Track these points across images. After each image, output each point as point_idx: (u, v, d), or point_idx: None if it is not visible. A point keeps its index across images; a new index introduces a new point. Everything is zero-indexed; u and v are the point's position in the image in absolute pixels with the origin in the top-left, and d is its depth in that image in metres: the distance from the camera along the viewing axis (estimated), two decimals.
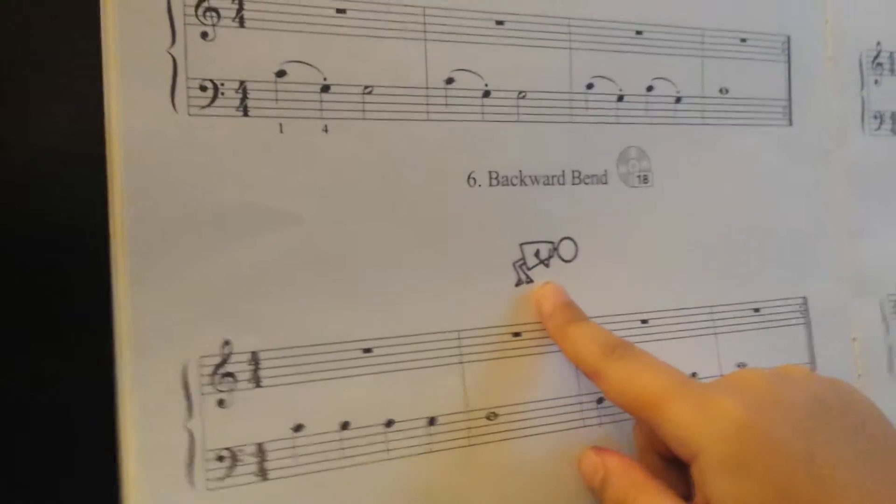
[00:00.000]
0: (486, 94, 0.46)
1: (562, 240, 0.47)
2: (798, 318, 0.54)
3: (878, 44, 0.61)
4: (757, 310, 0.53)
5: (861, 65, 0.60)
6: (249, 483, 0.39)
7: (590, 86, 0.49)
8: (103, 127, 0.39)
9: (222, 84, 0.40)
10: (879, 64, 0.61)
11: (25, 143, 0.38)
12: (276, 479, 0.39)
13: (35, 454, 0.37)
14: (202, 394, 0.38)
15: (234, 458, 0.38)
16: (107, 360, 0.38)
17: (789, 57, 0.56)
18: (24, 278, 0.37)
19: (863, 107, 0.60)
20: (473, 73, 0.46)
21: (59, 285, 0.38)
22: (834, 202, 0.57)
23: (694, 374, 0.50)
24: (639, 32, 0.51)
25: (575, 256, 0.47)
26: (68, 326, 0.38)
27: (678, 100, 0.52)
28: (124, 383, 0.37)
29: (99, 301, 0.38)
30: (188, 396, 0.38)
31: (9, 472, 0.36)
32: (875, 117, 0.60)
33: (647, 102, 0.51)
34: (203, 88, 0.40)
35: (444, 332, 0.43)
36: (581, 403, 0.46)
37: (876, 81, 0.60)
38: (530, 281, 0.46)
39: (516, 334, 0.45)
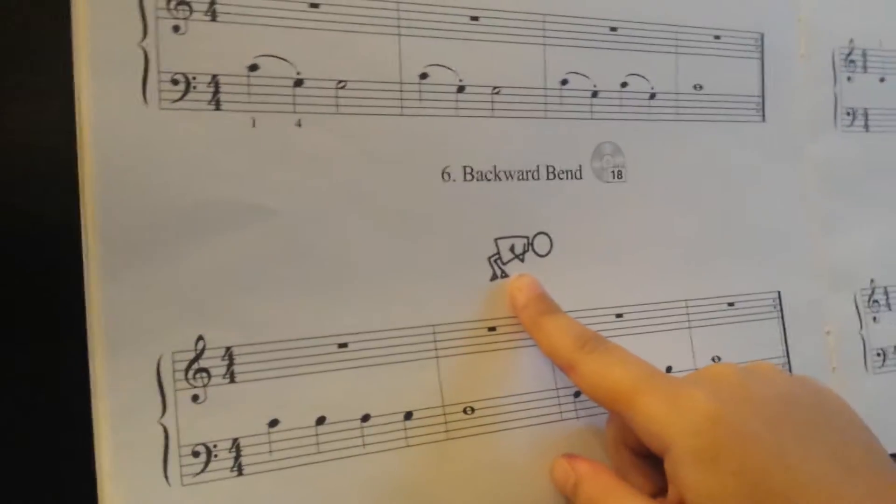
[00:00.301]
0: (461, 89, 0.46)
1: (536, 234, 0.47)
2: (772, 312, 0.55)
3: (851, 41, 0.61)
4: (731, 304, 0.53)
5: (834, 62, 0.61)
6: (225, 478, 0.38)
7: (564, 81, 0.49)
8: (73, 121, 0.38)
9: (194, 78, 0.40)
10: (852, 61, 0.61)
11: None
12: (252, 474, 0.39)
13: (9, 452, 0.36)
14: (176, 390, 0.38)
15: (210, 454, 0.38)
16: (79, 357, 0.37)
17: (763, 54, 0.57)
18: None
19: (836, 103, 0.60)
20: (447, 68, 0.46)
21: (29, 282, 0.37)
22: (807, 198, 0.57)
23: (669, 369, 0.50)
24: (613, 29, 0.51)
25: (549, 251, 0.47)
26: (39, 323, 0.37)
27: (652, 96, 0.52)
28: (97, 380, 0.37)
29: (71, 297, 0.37)
30: (162, 392, 0.38)
31: None
32: (848, 114, 0.60)
33: (621, 98, 0.51)
34: (175, 82, 0.39)
35: (420, 326, 0.43)
36: (559, 397, 0.46)
37: (849, 78, 0.61)
38: (505, 275, 0.46)
39: (492, 329, 0.45)
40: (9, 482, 0.37)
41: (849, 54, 0.61)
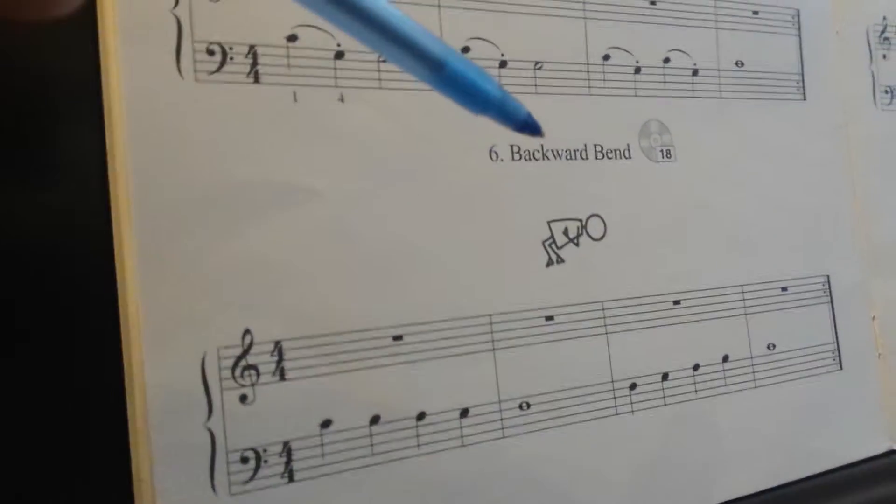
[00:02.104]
0: (503, 64, 0.43)
1: (590, 217, 0.44)
2: (822, 296, 0.53)
3: (885, 18, 0.60)
4: (784, 289, 0.51)
5: (869, 39, 0.59)
6: (276, 486, 0.35)
7: (606, 57, 0.47)
8: (101, 94, 0.34)
9: (231, 48, 0.36)
10: (886, 38, 0.59)
11: (17, 115, 0.34)
12: (304, 480, 0.36)
13: (43, 458, 0.32)
14: (223, 389, 0.34)
15: (259, 459, 0.35)
16: (114, 355, 0.33)
17: (800, 30, 0.54)
18: (16, 270, 0.33)
19: (873, 81, 0.58)
20: (490, 42, 0.43)
21: (58, 273, 0.33)
22: (849, 178, 0.55)
23: (725, 357, 0.47)
24: (653, 3, 0.49)
25: (604, 234, 0.45)
26: (67, 320, 0.33)
27: (695, 72, 0.50)
28: (134, 382, 0.33)
29: (103, 290, 0.34)
30: (208, 393, 0.34)
31: (16, 478, 0.32)
32: (886, 92, 0.58)
33: (664, 75, 0.49)
34: (210, 52, 0.36)
35: (476, 316, 0.40)
36: (614, 390, 0.44)
37: (884, 56, 0.59)
38: (561, 261, 0.43)
39: (549, 318, 0.42)
40: (36, 493, 0.33)
41: (882, 31, 0.59)
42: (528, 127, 0.31)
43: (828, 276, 0.53)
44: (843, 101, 0.56)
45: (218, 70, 0.36)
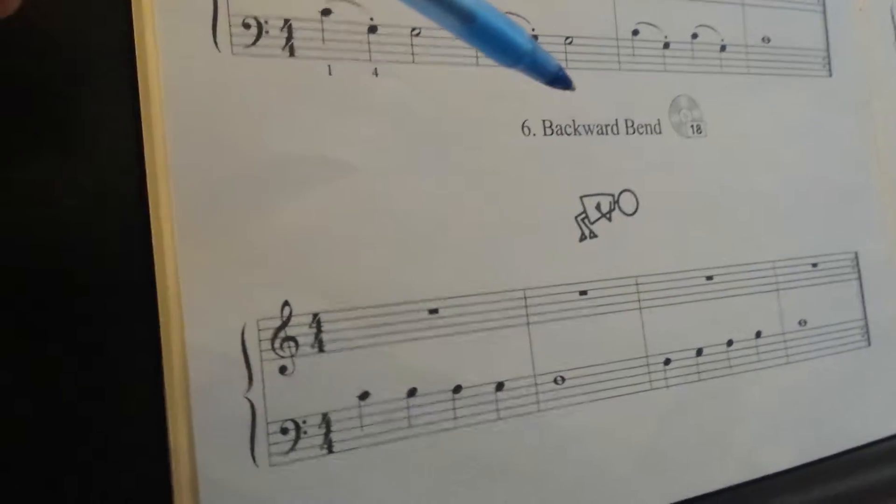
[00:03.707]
0: (534, 38, 0.43)
1: (622, 192, 0.44)
2: (851, 273, 0.52)
3: None
4: (815, 265, 0.51)
5: (893, 16, 0.58)
6: (315, 457, 0.35)
7: (635, 32, 0.47)
8: (137, 68, 0.34)
9: (266, 22, 0.36)
10: None
11: (54, 91, 0.34)
12: (342, 451, 0.36)
13: (80, 432, 0.32)
14: (262, 360, 0.34)
15: (299, 430, 0.35)
16: (153, 328, 0.33)
17: (825, 7, 0.54)
18: (55, 243, 0.33)
19: None
20: (520, 16, 0.43)
21: (95, 248, 0.33)
22: (875, 154, 0.55)
23: (758, 333, 0.47)
24: None
25: (636, 210, 0.45)
26: (107, 292, 0.33)
27: (723, 48, 0.49)
28: (173, 354, 0.33)
29: (142, 263, 0.34)
30: (248, 364, 0.34)
31: (54, 451, 0.32)
32: None
33: (692, 50, 0.48)
34: (247, 26, 0.36)
35: (511, 290, 0.40)
36: (648, 365, 0.44)
37: None
38: (594, 236, 0.43)
39: (583, 293, 0.42)
40: (74, 465, 0.33)
41: None
42: (560, 80, 0.31)
43: (856, 253, 0.52)
44: (868, 77, 0.56)
45: (254, 43, 0.36)
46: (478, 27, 0.27)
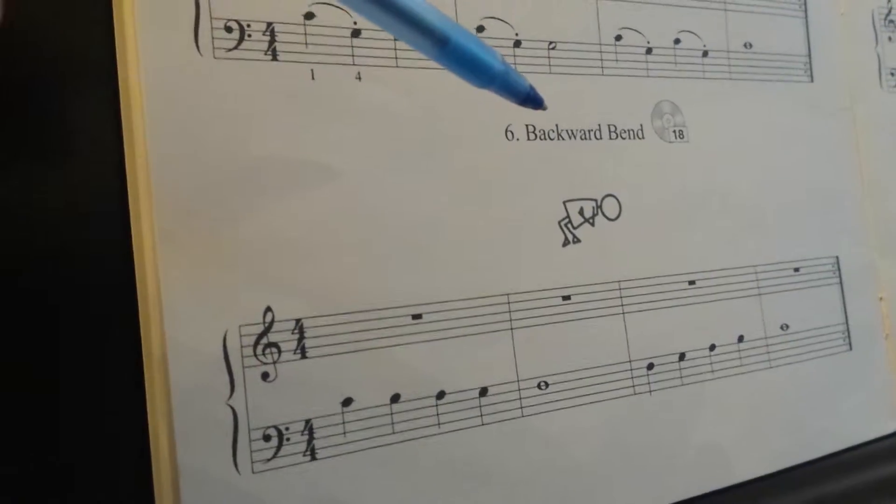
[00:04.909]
0: (517, 43, 0.43)
1: (605, 197, 0.44)
2: (832, 277, 0.53)
3: (889, 1, 0.60)
4: (797, 269, 0.51)
5: (874, 22, 0.59)
6: (297, 463, 0.35)
7: (618, 37, 0.47)
8: (118, 71, 0.34)
9: (248, 25, 0.36)
10: (892, 21, 0.60)
11: (34, 93, 0.33)
12: (326, 458, 0.35)
13: (60, 437, 0.32)
14: (245, 367, 0.34)
15: (282, 437, 0.35)
16: (133, 334, 0.33)
17: (806, 12, 0.54)
18: (33, 248, 0.32)
19: (879, 64, 0.58)
20: (504, 21, 0.43)
21: (75, 252, 0.33)
22: (856, 159, 0.55)
23: (741, 338, 0.47)
24: None
25: (619, 215, 0.45)
26: (87, 298, 0.33)
27: (705, 53, 0.50)
28: (154, 360, 0.33)
29: (121, 269, 0.33)
30: (230, 370, 0.34)
31: (34, 455, 0.31)
32: (892, 74, 0.58)
33: (675, 55, 0.48)
34: (228, 30, 0.36)
35: (494, 295, 0.40)
36: (631, 370, 0.44)
37: (889, 38, 0.59)
38: (577, 241, 0.43)
39: (566, 297, 0.42)
40: (55, 471, 0.32)
41: (888, 14, 0.60)
42: (531, 100, 0.31)
43: (837, 258, 0.53)
44: (849, 83, 0.56)
45: (236, 47, 0.36)
46: (450, 49, 0.27)
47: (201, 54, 0.35)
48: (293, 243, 0.36)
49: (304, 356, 0.35)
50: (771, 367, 0.48)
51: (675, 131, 0.47)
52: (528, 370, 0.41)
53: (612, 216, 0.44)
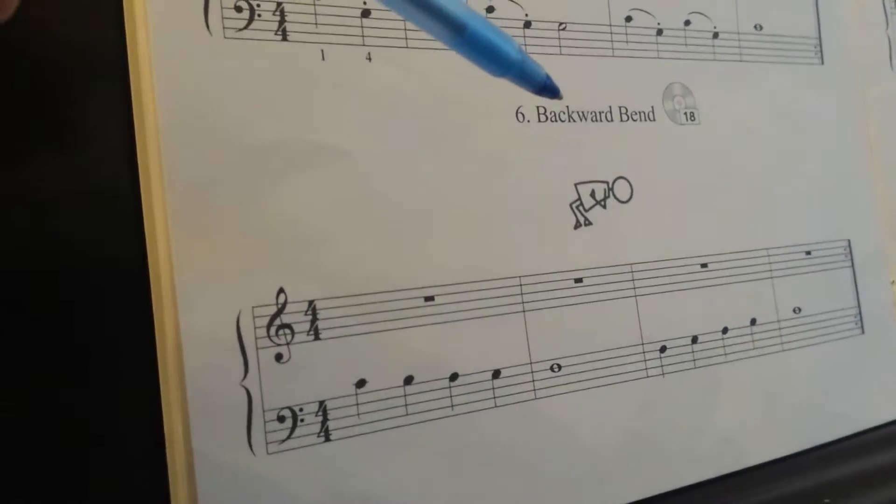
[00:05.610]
0: (527, 24, 0.43)
1: (616, 179, 0.44)
2: (844, 260, 0.52)
3: None
4: (809, 252, 0.50)
5: (885, 4, 0.58)
6: (312, 444, 0.35)
7: (628, 18, 0.46)
8: (126, 50, 0.34)
9: (258, 5, 0.36)
10: None
11: (43, 75, 0.33)
12: (340, 439, 0.35)
13: (74, 420, 0.32)
14: (258, 348, 0.34)
15: (296, 418, 0.34)
16: (147, 316, 0.33)
17: None
18: (46, 232, 0.32)
19: (890, 46, 0.58)
20: (513, 2, 0.43)
21: (88, 236, 0.33)
22: (866, 141, 0.55)
23: (753, 321, 0.47)
24: None
25: (631, 197, 0.44)
26: (101, 280, 0.33)
27: (716, 35, 0.49)
28: (167, 342, 0.33)
29: (134, 251, 0.33)
30: (243, 352, 0.34)
31: (48, 438, 0.31)
32: None
33: (685, 37, 0.48)
34: (238, 9, 0.35)
35: (507, 277, 0.40)
36: (644, 353, 0.43)
37: None
38: (589, 223, 0.42)
39: (578, 280, 0.42)
40: (69, 453, 0.32)
41: None
42: (547, 89, 0.31)
43: (849, 241, 0.52)
44: (859, 65, 0.56)
45: (246, 27, 0.36)
46: (468, 37, 0.27)
47: (211, 34, 0.35)
48: (305, 224, 0.36)
49: (317, 337, 0.35)
50: (783, 351, 0.48)
51: (686, 113, 0.47)
52: (541, 353, 0.40)
53: (624, 199, 0.44)
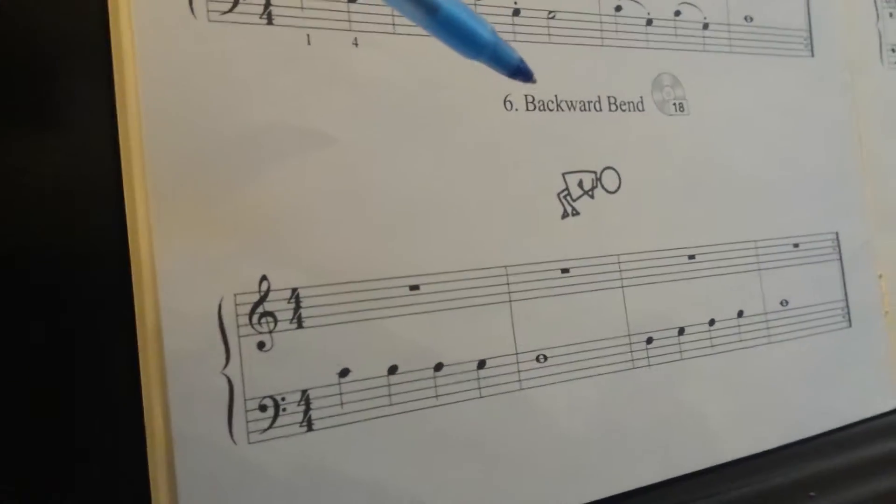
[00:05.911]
0: (516, 12, 0.42)
1: (604, 170, 0.44)
2: (832, 253, 0.52)
3: None
4: (796, 245, 0.50)
5: None
6: (294, 434, 0.34)
7: (618, 8, 0.46)
8: (108, 32, 0.33)
9: None
10: None
11: (25, 57, 0.32)
12: (322, 428, 0.35)
13: (53, 408, 0.31)
14: (240, 336, 0.33)
15: (278, 407, 0.34)
16: (127, 303, 0.32)
17: None
18: (27, 217, 0.32)
19: (880, 39, 0.57)
20: None
21: (67, 220, 0.32)
22: (856, 135, 0.55)
23: (740, 313, 0.47)
24: None
25: (619, 187, 0.44)
26: (80, 265, 0.32)
27: (705, 26, 0.49)
28: (148, 329, 0.32)
29: (115, 236, 0.33)
30: (225, 339, 0.33)
31: (27, 429, 0.31)
32: (893, 50, 0.58)
33: (675, 27, 0.48)
34: None
35: (492, 267, 0.40)
36: (630, 344, 0.43)
37: (891, 14, 0.59)
38: (576, 213, 0.42)
39: (565, 270, 0.41)
40: (48, 443, 0.32)
41: None
42: (521, 73, 0.30)
43: (837, 234, 0.52)
44: (850, 58, 0.56)
45: (231, 10, 0.35)
46: (441, 18, 0.27)
47: (195, 17, 0.34)
48: (289, 211, 0.35)
49: (300, 326, 0.35)
50: (770, 343, 0.48)
51: (675, 104, 0.47)
52: (527, 343, 0.40)
53: (612, 189, 0.44)
